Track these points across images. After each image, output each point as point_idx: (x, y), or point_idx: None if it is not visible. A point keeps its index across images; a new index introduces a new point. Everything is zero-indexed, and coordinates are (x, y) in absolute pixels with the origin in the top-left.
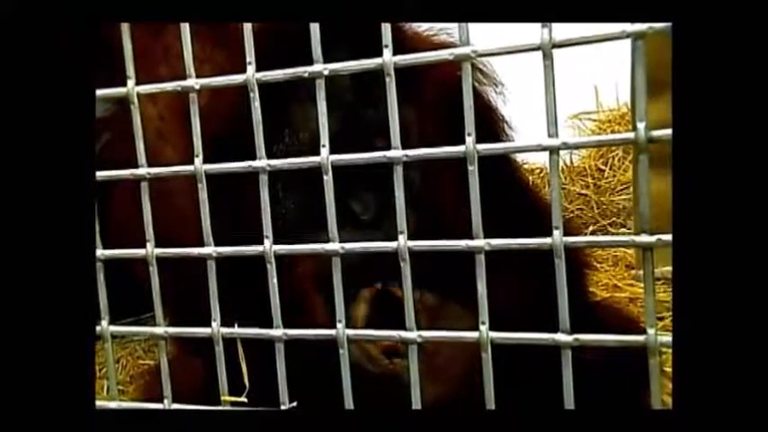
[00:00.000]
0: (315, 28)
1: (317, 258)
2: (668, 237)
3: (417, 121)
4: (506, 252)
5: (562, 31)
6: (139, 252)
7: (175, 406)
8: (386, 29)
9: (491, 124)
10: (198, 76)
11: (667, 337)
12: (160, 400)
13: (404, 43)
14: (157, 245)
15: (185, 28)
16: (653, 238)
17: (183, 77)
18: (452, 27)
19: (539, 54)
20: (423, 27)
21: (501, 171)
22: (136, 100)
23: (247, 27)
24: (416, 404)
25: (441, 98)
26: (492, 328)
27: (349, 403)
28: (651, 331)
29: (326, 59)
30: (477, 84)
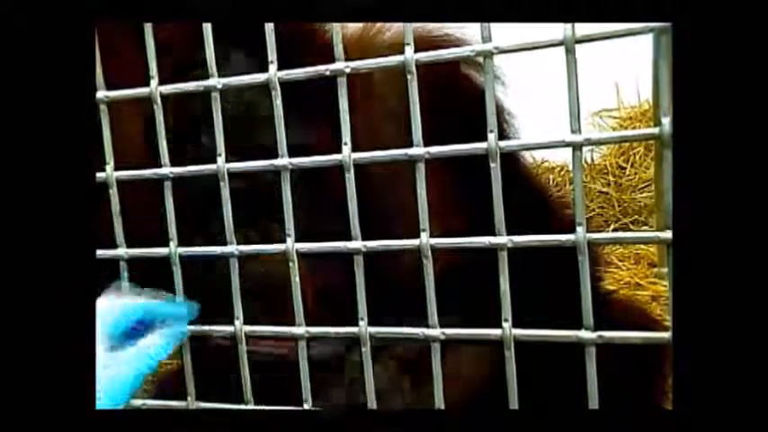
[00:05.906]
0: (337, 27)
1: None
2: None
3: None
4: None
5: (584, 27)
6: (162, 251)
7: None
8: (408, 28)
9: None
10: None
11: None
12: (176, 398)
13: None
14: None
15: (207, 28)
16: None
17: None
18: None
19: (547, 52)
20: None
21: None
22: (159, 100)
23: (269, 27)
24: (440, 404)
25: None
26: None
27: (372, 402)
28: None
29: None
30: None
